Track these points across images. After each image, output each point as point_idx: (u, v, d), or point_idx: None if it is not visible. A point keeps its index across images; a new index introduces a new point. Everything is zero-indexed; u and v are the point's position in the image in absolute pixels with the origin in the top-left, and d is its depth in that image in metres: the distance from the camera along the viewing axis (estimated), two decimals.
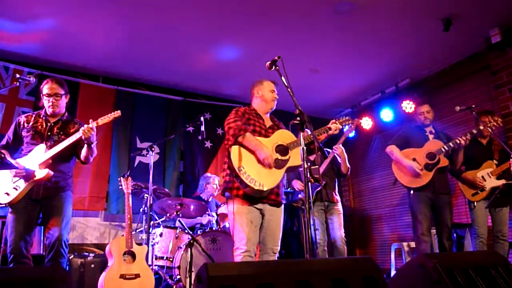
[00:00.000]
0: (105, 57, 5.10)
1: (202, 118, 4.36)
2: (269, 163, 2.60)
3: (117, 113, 3.01)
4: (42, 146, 2.88)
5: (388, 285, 1.41)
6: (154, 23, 4.39)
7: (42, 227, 3.26)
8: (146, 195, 4.18)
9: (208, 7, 4.14)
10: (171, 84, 5.95)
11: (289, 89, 2.28)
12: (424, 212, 3.69)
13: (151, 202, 3.88)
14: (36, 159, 2.82)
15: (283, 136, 2.80)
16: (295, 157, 2.70)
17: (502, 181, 3.74)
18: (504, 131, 4.63)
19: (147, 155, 4.12)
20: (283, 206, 2.85)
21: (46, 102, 2.99)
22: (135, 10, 4.15)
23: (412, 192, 3.77)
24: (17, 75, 2.83)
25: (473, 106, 3.88)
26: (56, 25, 4.38)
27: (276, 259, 2.77)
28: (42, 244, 4.03)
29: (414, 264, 1.51)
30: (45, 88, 3.00)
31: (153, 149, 4.08)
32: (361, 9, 4.18)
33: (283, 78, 2.37)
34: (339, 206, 4.33)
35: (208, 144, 5.97)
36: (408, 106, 5.55)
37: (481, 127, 3.92)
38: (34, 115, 3.05)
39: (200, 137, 4.38)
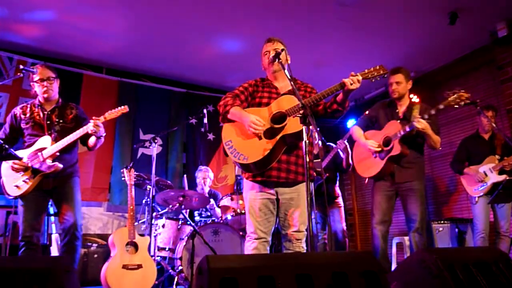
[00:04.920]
0: (109, 48, 5.09)
1: (205, 110, 4.35)
2: (253, 131, 2.30)
3: (125, 108, 3.01)
4: (47, 138, 2.88)
5: (388, 280, 1.42)
6: (158, 14, 4.37)
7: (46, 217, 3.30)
8: (148, 186, 4.20)
9: (213, 0, 4.12)
10: (174, 76, 5.94)
11: (291, 83, 2.26)
12: (380, 202, 3.22)
13: (153, 194, 3.90)
14: (43, 151, 2.83)
15: (283, 102, 2.39)
16: (293, 124, 2.29)
17: (504, 176, 3.73)
18: (509, 126, 4.61)
19: (150, 147, 4.13)
20: (304, 184, 2.37)
21: (39, 88, 2.96)
22: (139, 2, 4.14)
23: (366, 181, 3.35)
24: (21, 66, 2.84)
25: (478, 100, 3.84)
26: (59, 16, 4.37)
27: (303, 248, 2.42)
28: (46, 233, 4.07)
29: (414, 258, 1.51)
30: (37, 74, 2.97)
31: (156, 141, 4.09)
32: (366, 2, 4.14)
33: (286, 71, 2.35)
34: (340, 200, 4.34)
35: (211, 136, 5.98)
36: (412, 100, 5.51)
37: (484, 121, 3.91)
38: (29, 106, 3.03)
39: (203, 129, 4.38)
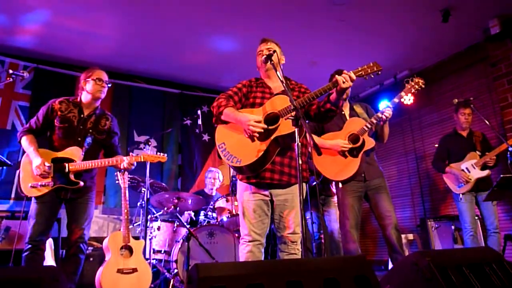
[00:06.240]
0: (102, 50, 5.06)
1: (199, 112, 4.34)
2: (254, 130, 2.27)
3: (164, 157, 3.21)
4: (78, 151, 2.87)
5: (380, 284, 1.41)
6: (151, 15, 4.35)
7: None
8: (143, 189, 4.17)
9: (206, 0, 4.09)
10: (168, 77, 5.92)
11: (283, 84, 2.25)
12: (352, 205, 3.13)
13: (148, 196, 3.88)
14: (70, 163, 2.82)
15: (277, 102, 2.37)
16: (286, 125, 2.27)
17: (487, 171, 3.81)
18: (502, 123, 4.62)
19: (145, 149, 4.11)
20: (297, 186, 2.25)
21: (95, 87, 2.95)
22: (132, 3, 4.11)
23: (340, 185, 3.19)
24: (10, 71, 2.80)
25: (471, 98, 3.86)
26: (51, 19, 4.34)
27: (298, 250, 2.40)
28: None
29: (407, 261, 1.51)
30: (97, 74, 2.99)
31: (149, 143, 4.07)
32: (359, 1, 4.13)
33: (278, 73, 2.33)
34: (336, 199, 4.32)
35: (205, 137, 5.96)
36: (406, 98, 5.51)
37: (461, 119, 3.96)
38: (68, 102, 2.97)
39: (197, 130, 4.37)
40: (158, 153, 3.22)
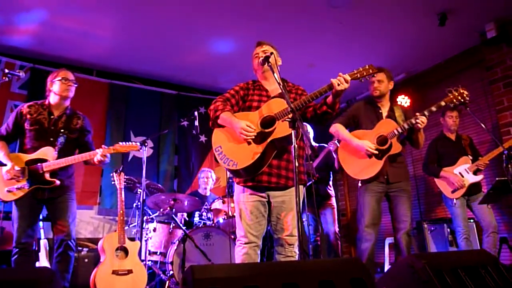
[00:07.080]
0: (99, 51, 5.04)
1: (196, 113, 4.33)
2: (245, 137, 2.29)
3: (136, 146, 3.16)
4: (51, 151, 2.86)
5: (376, 286, 1.41)
6: (149, 16, 4.33)
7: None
8: (139, 190, 4.16)
9: (204, 1, 4.08)
10: (166, 78, 5.91)
11: (280, 86, 2.25)
12: (371, 204, 3.10)
13: (144, 198, 3.87)
14: (44, 163, 2.81)
15: (273, 105, 2.37)
16: (282, 128, 2.26)
17: (481, 176, 3.83)
18: (498, 126, 4.64)
19: (141, 150, 4.10)
20: (295, 188, 2.09)
21: (61, 86, 2.96)
22: (129, 3, 4.10)
23: (360, 184, 3.18)
24: (6, 70, 2.79)
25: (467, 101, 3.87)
26: (48, 18, 4.32)
27: (295, 252, 2.40)
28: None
29: (402, 264, 1.51)
30: (62, 74, 2.99)
31: (146, 144, 4.06)
32: (356, 3, 4.14)
33: (275, 75, 2.34)
34: (333, 201, 4.33)
35: (202, 138, 5.95)
36: (403, 100, 5.54)
37: (448, 121, 4.00)
38: (37, 105, 2.98)
39: (194, 132, 4.36)
40: (130, 143, 3.17)
